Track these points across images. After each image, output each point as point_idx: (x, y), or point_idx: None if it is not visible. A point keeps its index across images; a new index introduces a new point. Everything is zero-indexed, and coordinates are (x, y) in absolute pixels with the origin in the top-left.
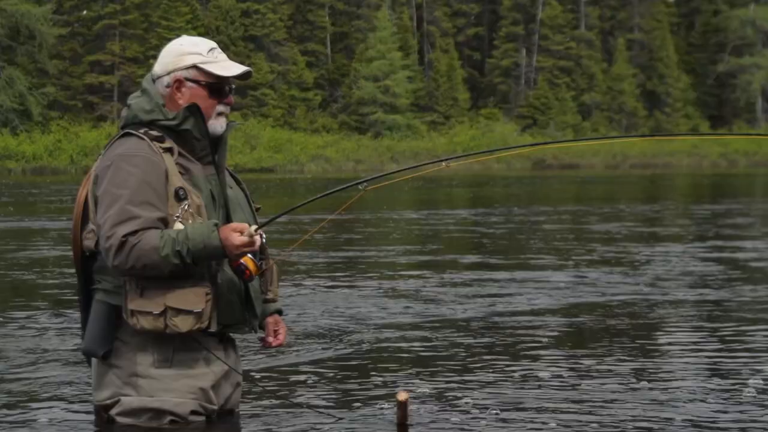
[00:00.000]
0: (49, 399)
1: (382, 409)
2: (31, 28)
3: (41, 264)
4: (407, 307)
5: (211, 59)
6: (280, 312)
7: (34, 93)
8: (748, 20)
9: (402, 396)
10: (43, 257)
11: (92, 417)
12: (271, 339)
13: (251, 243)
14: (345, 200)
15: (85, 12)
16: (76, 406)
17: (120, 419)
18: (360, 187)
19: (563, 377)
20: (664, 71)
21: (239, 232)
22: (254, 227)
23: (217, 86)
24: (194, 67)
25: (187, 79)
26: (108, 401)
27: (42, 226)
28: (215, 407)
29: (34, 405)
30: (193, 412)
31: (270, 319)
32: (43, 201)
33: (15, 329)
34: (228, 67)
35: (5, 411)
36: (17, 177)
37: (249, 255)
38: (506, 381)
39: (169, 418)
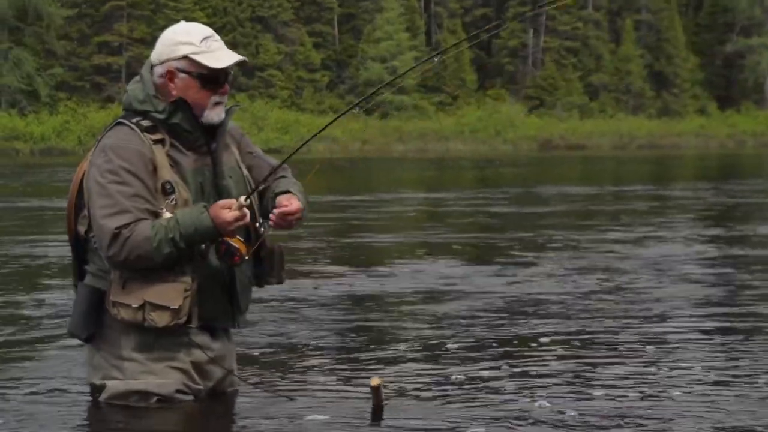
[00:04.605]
0: (47, 378)
1: (358, 394)
2: (39, 9)
3: (47, 245)
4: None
5: (203, 49)
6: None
7: (41, 74)
8: (757, 0)
9: (375, 381)
10: (48, 239)
11: (87, 396)
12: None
13: (242, 216)
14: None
15: None
16: (75, 385)
17: (108, 403)
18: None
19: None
20: (671, 52)
21: (228, 208)
22: (242, 198)
23: (210, 77)
24: (186, 58)
25: (180, 70)
26: (98, 383)
27: (52, 207)
28: (200, 387)
29: (33, 384)
30: (178, 392)
31: (281, 197)
32: (51, 181)
33: (17, 309)
34: (220, 58)
35: (3, 392)
36: (25, 158)
37: (238, 237)
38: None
39: (155, 398)
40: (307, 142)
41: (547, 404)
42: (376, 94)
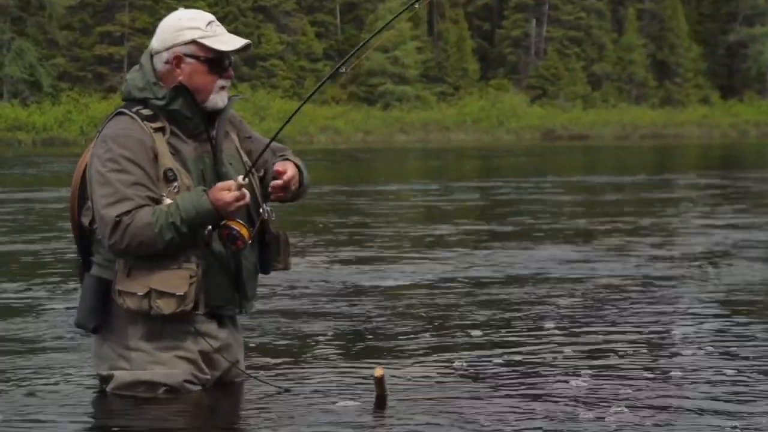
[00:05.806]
0: (54, 369)
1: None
2: None
3: (51, 235)
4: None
5: (210, 33)
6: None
7: (44, 64)
8: None
9: (378, 372)
10: (53, 228)
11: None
12: (280, 179)
13: (242, 196)
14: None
15: None
16: (80, 378)
17: (115, 393)
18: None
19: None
20: (674, 41)
21: (227, 190)
22: (240, 177)
23: (216, 61)
24: (193, 42)
25: (186, 55)
26: (105, 373)
27: (54, 197)
28: (208, 376)
29: (40, 375)
30: (186, 381)
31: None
32: (53, 171)
33: (20, 300)
34: (227, 41)
35: (10, 383)
36: (27, 148)
37: (239, 220)
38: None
39: (163, 388)
40: (294, 114)
41: (583, 383)
42: (357, 55)
